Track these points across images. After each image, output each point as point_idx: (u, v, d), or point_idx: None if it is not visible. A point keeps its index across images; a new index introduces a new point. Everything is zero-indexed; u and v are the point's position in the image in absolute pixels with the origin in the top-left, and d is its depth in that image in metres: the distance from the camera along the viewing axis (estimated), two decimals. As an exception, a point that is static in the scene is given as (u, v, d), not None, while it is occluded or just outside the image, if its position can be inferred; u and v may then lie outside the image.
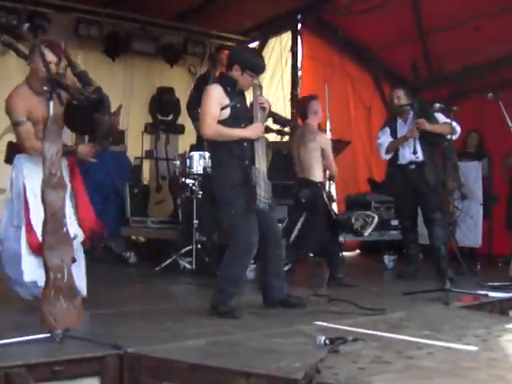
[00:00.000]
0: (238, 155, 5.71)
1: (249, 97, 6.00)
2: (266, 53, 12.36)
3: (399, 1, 10.07)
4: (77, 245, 5.66)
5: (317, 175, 7.42)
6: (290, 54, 12.17)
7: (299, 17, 11.94)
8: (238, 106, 5.77)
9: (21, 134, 5.54)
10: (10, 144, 5.81)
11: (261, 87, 5.92)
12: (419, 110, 7.95)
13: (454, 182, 8.73)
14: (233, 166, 5.71)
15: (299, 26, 12.04)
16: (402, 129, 8.10)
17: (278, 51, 12.37)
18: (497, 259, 9.41)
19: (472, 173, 9.70)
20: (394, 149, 8.07)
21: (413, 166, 7.96)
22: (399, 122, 8.16)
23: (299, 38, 12.06)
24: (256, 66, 5.92)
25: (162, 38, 11.70)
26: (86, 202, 5.94)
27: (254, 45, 12.83)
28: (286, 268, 8.17)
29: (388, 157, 8.17)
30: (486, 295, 6.54)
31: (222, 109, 5.70)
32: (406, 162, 7.99)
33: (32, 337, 4.38)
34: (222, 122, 5.70)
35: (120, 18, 11.09)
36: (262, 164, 5.70)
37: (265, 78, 12.49)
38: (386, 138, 8.14)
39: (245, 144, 5.71)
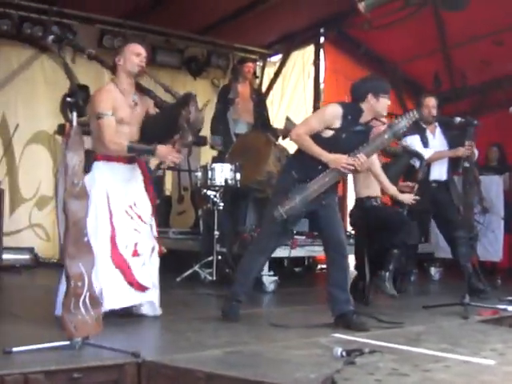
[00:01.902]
0: (305, 172, 5.69)
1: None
2: (288, 66, 12.46)
3: (422, 14, 10.06)
4: (155, 257, 5.97)
5: (356, 191, 7.37)
6: (312, 68, 12.23)
7: (322, 30, 12.01)
8: (344, 136, 5.65)
9: (103, 126, 5.45)
10: (87, 152, 5.70)
11: (393, 134, 5.66)
12: (444, 125, 7.92)
13: (474, 196, 8.69)
14: (293, 177, 5.70)
15: (322, 39, 12.11)
16: (433, 142, 7.98)
17: (300, 64, 12.44)
18: (517, 273, 9.39)
19: (493, 187, 9.67)
20: (435, 160, 7.92)
21: (440, 184, 7.94)
22: (428, 133, 8.02)
23: (322, 51, 12.12)
24: (386, 86, 5.85)
25: (186, 51, 11.82)
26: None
27: (277, 58, 12.93)
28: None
29: None
30: (506, 309, 6.52)
31: (328, 129, 5.66)
32: (435, 178, 7.93)
33: (51, 344, 4.43)
34: (318, 138, 5.68)
35: (145, 30, 11.20)
36: (316, 189, 5.61)
37: (287, 91, 12.59)
38: (417, 146, 7.91)
39: (319, 167, 5.65)
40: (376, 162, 6.90)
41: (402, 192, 7.19)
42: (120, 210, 5.62)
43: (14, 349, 4.29)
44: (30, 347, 4.37)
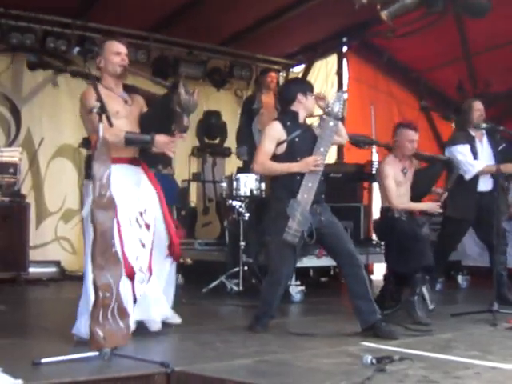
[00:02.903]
0: (288, 188, 5.79)
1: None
2: (311, 76, 12.45)
3: (444, 22, 10.03)
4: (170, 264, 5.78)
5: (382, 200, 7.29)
6: (335, 77, 12.22)
7: (344, 40, 12.01)
8: (297, 140, 5.87)
9: (95, 121, 4.91)
10: (87, 157, 5.54)
11: (335, 118, 5.87)
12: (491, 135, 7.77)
13: (503, 204, 8.58)
14: (282, 199, 5.78)
15: (344, 48, 12.11)
16: (482, 151, 7.84)
17: (323, 74, 12.43)
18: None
19: (520, 194, 9.59)
20: (485, 173, 7.77)
21: (486, 193, 7.76)
22: (477, 142, 7.87)
23: (345, 60, 12.11)
24: (310, 84, 6.26)
25: (209, 62, 11.85)
26: (169, 216, 5.83)
27: (299, 68, 12.93)
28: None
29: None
30: (534, 317, 6.46)
31: (279, 144, 5.86)
32: (486, 189, 7.76)
33: (81, 355, 4.44)
34: (278, 157, 5.87)
35: (167, 42, 11.26)
36: (307, 197, 5.69)
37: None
38: (468, 156, 7.76)
39: (297, 177, 5.77)
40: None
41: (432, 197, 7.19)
42: (128, 218, 5.36)
43: (43, 360, 4.30)
44: (59, 358, 4.37)
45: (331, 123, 5.84)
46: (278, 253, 5.86)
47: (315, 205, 5.77)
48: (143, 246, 5.47)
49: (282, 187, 5.87)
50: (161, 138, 5.44)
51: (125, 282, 5.19)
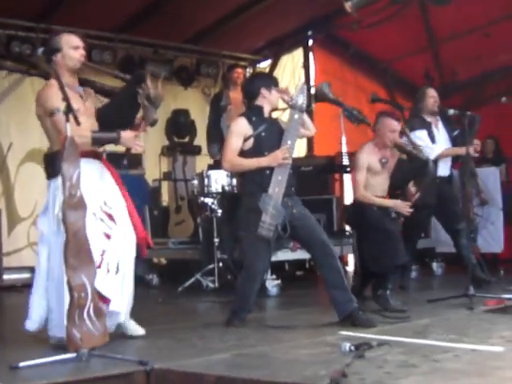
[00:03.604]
0: (259, 183, 5.80)
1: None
2: (278, 70, 12.47)
3: (409, 11, 10.08)
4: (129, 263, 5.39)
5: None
6: (302, 71, 12.23)
7: (310, 33, 12.03)
8: (263, 134, 5.88)
9: (59, 122, 4.92)
10: (47, 156, 5.39)
11: (300, 110, 5.88)
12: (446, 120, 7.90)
13: (472, 188, 8.63)
14: (253, 194, 5.79)
15: (310, 42, 12.13)
16: (438, 136, 7.94)
17: (290, 68, 12.44)
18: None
19: (491, 178, 9.66)
20: (445, 157, 7.89)
21: (444, 179, 7.87)
22: (433, 127, 7.96)
23: (311, 54, 12.13)
24: (274, 79, 6.36)
25: (176, 61, 11.81)
26: (134, 210, 5.56)
27: (266, 63, 12.93)
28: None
29: None
30: (511, 299, 6.50)
31: (246, 140, 5.87)
32: (440, 174, 7.81)
33: (58, 357, 4.40)
34: (246, 153, 5.88)
35: (133, 42, 11.21)
36: (278, 191, 5.71)
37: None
38: (426, 141, 7.82)
39: (267, 172, 5.78)
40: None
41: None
42: (93, 213, 5.08)
43: (21, 364, 4.27)
44: (37, 361, 4.34)
45: (296, 116, 5.85)
46: (252, 248, 5.87)
47: (286, 198, 5.78)
48: (108, 237, 5.20)
49: (253, 182, 5.88)
50: (126, 134, 5.26)
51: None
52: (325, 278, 5.84)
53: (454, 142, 7.90)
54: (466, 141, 7.16)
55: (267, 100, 5.99)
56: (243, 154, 5.89)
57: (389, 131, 6.82)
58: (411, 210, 6.81)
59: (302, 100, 5.87)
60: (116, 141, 5.29)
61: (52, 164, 5.18)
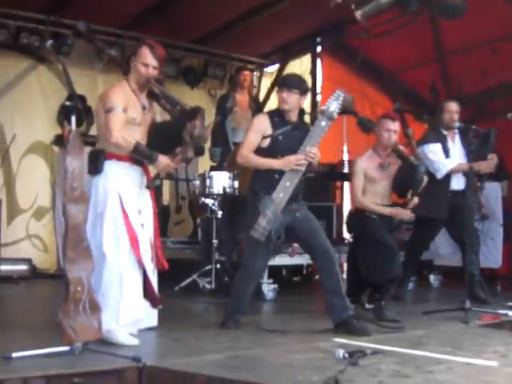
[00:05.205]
0: (266, 184, 5.78)
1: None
2: (285, 75, 12.41)
3: (418, 23, 10.06)
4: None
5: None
6: (309, 77, 12.21)
7: (318, 40, 12.03)
8: (280, 138, 5.82)
9: (112, 120, 5.13)
10: (93, 153, 5.34)
11: (328, 118, 5.76)
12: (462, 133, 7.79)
13: (474, 203, 8.59)
14: (257, 194, 5.78)
15: (318, 48, 12.13)
16: (453, 150, 7.88)
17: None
18: (517, 280, 9.37)
19: (492, 194, 9.63)
20: (458, 172, 7.79)
21: (458, 193, 7.79)
22: (449, 141, 7.92)
23: (318, 60, 12.13)
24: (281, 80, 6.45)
25: (183, 61, 11.81)
26: (158, 233, 5.73)
27: (273, 67, 12.94)
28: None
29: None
30: (506, 314, 6.50)
31: (264, 138, 5.83)
32: (458, 188, 7.79)
33: (52, 349, 4.42)
34: (262, 150, 5.85)
35: (141, 40, 11.17)
36: (282, 197, 5.68)
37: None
38: (439, 155, 7.79)
39: (276, 176, 5.76)
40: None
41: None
42: (133, 213, 5.26)
43: (14, 354, 4.28)
44: (30, 353, 4.36)
45: (323, 123, 5.75)
46: (252, 247, 5.84)
47: (292, 203, 5.75)
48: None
49: (260, 182, 5.86)
50: (163, 160, 5.35)
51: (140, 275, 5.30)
52: (323, 282, 5.84)
53: (470, 156, 7.80)
54: (473, 155, 7.18)
55: (279, 103, 5.93)
56: (259, 150, 5.85)
57: (384, 130, 6.82)
58: (412, 215, 6.81)
59: (334, 107, 5.74)
60: (152, 161, 5.36)
61: (94, 161, 5.25)
